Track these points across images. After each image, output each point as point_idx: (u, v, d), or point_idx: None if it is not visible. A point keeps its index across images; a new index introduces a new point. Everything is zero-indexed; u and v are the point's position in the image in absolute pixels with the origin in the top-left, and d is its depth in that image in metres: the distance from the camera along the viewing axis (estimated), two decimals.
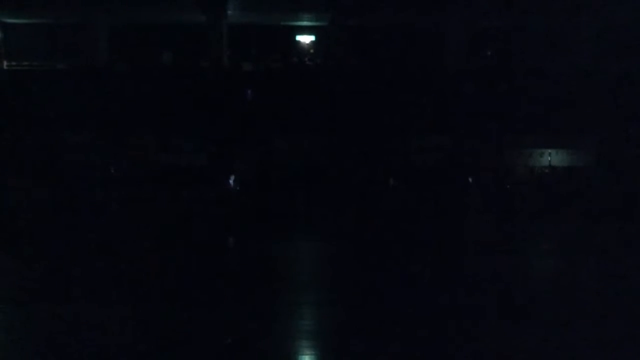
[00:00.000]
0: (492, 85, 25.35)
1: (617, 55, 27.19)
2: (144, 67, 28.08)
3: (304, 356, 7.15)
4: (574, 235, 18.57)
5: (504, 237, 17.43)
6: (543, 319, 8.27)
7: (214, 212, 21.13)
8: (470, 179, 22.84)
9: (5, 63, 29.50)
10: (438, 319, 8.20)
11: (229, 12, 29.80)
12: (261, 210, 21.31)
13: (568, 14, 28.18)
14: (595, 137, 25.03)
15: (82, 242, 16.49)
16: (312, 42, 32.53)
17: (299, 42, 32.50)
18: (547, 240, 17.57)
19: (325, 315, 8.45)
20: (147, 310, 8.43)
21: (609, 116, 24.20)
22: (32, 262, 12.93)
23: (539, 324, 8.08)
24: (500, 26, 28.44)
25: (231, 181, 21.89)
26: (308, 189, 22.20)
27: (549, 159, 23.83)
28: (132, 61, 28.36)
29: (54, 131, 24.59)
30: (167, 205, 21.40)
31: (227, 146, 24.36)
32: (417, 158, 24.49)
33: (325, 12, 29.90)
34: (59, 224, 19.49)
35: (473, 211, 20.97)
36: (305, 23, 31.87)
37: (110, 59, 29.15)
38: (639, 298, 9.31)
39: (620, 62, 26.76)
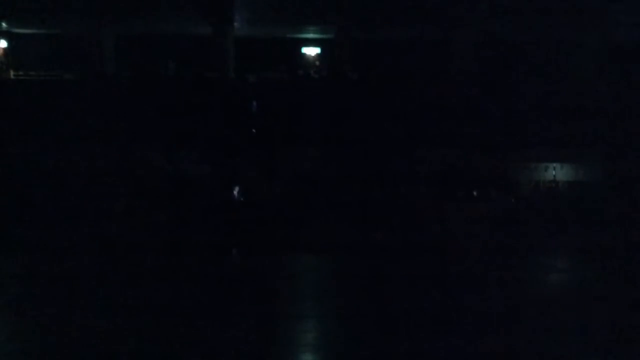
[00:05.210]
0: (497, 98, 25.35)
1: (623, 67, 27.17)
2: (149, 77, 28.15)
3: None
4: (581, 249, 18.52)
5: (509, 251, 17.36)
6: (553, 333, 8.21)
7: (217, 223, 21.12)
8: (474, 192, 22.79)
9: (12, 73, 29.63)
10: (445, 331, 8.13)
11: (236, 24, 29.92)
12: (265, 221, 21.29)
13: (573, 26, 28.21)
14: (601, 151, 24.97)
15: (84, 251, 16.47)
16: (317, 54, 32.60)
17: (304, 54, 32.58)
18: (553, 254, 17.51)
19: (330, 328, 8.39)
20: (146, 322, 8.36)
21: (614, 129, 24.14)
22: (31, 271, 12.89)
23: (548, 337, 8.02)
24: (507, 40, 28.46)
25: (235, 192, 21.89)
26: (313, 201, 22.17)
27: (554, 173, 23.77)
28: (138, 71, 28.44)
29: (60, 141, 24.63)
30: (169, 215, 21.39)
31: (232, 157, 24.37)
32: (422, 170, 24.43)
33: (332, 25, 29.98)
34: (62, 233, 19.49)
35: (477, 224, 20.90)
36: (311, 35, 31.97)
37: (117, 69, 29.26)
38: None
39: (626, 74, 26.73)
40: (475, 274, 13.15)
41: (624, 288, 11.68)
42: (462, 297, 10.79)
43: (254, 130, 25.12)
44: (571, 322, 8.67)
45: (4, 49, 30.67)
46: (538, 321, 8.78)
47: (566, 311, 9.54)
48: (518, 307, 9.78)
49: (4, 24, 30.16)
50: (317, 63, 32.34)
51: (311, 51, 32.58)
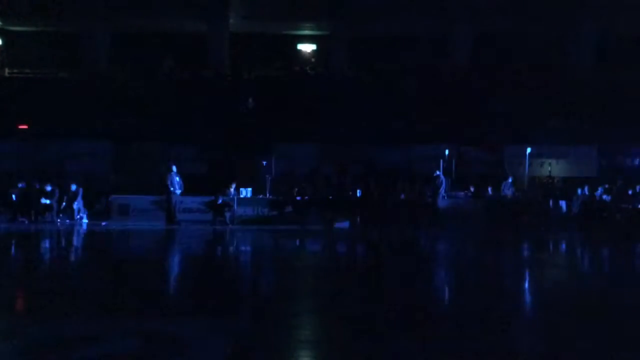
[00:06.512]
0: (494, 95, 25.42)
1: (619, 62, 27.25)
2: (145, 75, 28.13)
3: None
4: (577, 246, 18.58)
5: (506, 247, 17.41)
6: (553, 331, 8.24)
7: (216, 220, 21.16)
8: (472, 188, 22.83)
9: (6, 70, 29.57)
10: (446, 330, 8.14)
11: (231, 20, 29.90)
12: (262, 218, 21.34)
13: (570, 20, 28.26)
14: (596, 147, 25.08)
15: (81, 248, 16.48)
16: (313, 50, 32.60)
17: (300, 50, 32.57)
18: (550, 251, 17.56)
19: (326, 325, 8.40)
20: (143, 319, 8.36)
21: (610, 125, 24.23)
22: (27, 270, 12.87)
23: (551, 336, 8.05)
24: (503, 35, 28.49)
25: (232, 189, 21.89)
26: (309, 197, 22.18)
27: (549, 168, 23.81)
28: (133, 69, 28.41)
29: (56, 139, 24.65)
30: (167, 213, 21.39)
31: (228, 154, 24.38)
32: (417, 166, 24.48)
33: (327, 21, 29.97)
34: (57, 231, 19.50)
35: (474, 220, 20.96)
36: (306, 32, 31.97)
37: (112, 67, 29.19)
38: None
39: (623, 69, 26.82)
40: (472, 270, 13.18)
41: (620, 283, 11.72)
42: (457, 293, 10.81)
43: (249, 127, 25.08)
44: (568, 317, 8.74)
45: None
46: (537, 320, 8.83)
47: (563, 306, 9.59)
48: (515, 304, 9.81)
49: None
50: (313, 59, 32.33)
51: (307, 47, 32.58)
